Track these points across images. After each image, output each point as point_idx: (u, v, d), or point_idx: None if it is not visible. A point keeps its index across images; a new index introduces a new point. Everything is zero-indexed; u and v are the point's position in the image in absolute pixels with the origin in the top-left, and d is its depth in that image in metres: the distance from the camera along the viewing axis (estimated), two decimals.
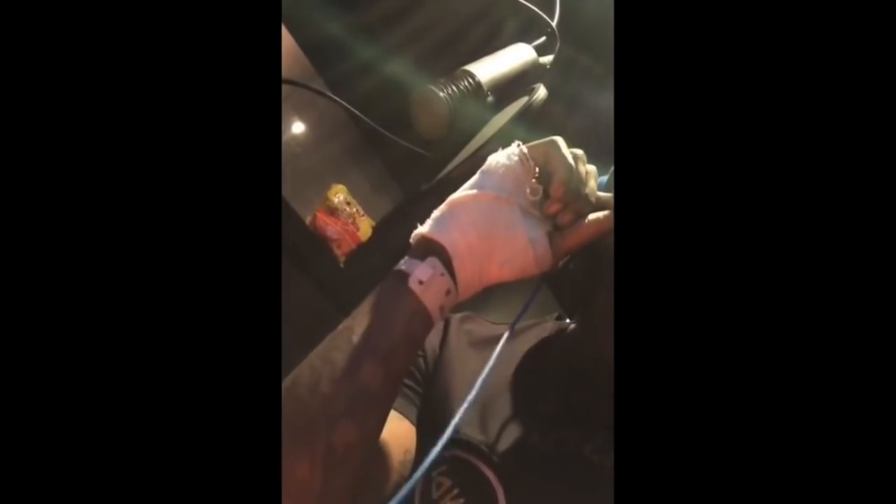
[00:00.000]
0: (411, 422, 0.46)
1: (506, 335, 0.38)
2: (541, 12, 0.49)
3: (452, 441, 0.34)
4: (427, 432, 0.45)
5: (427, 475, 0.42)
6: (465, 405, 0.33)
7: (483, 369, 0.35)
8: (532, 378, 0.48)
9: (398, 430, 0.45)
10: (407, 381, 0.49)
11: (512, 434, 0.43)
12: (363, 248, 1.40)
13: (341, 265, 1.33)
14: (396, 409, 0.46)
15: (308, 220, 1.33)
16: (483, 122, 0.47)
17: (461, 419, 0.33)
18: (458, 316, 0.55)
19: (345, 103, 0.54)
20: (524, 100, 0.45)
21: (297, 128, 1.48)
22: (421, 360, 0.51)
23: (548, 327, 0.54)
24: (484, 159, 0.40)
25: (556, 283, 0.48)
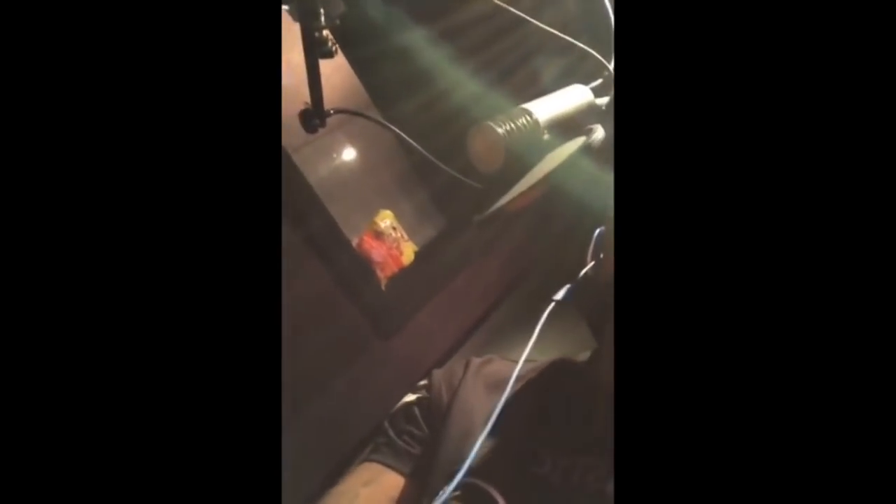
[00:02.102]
0: (399, 472, 0.52)
1: (512, 380, 0.42)
2: (599, 55, 0.51)
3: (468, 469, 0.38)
4: (441, 469, 0.49)
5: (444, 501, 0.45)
6: (475, 449, 0.37)
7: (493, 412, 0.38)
8: (545, 407, 0.50)
9: (383, 484, 0.51)
10: (406, 429, 0.54)
11: (523, 461, 0.46)
12: (405, 273, 1.42)
13: (383, 288, 1.36)
14: (384, 463, 0.53)
15: (355, 242, 1.37)
16: (539, 159, 0.49)
17: (473, 458, 0.37)
18: (478, 361, 0.59)
19: (400, 132, 0.57)
20: (581, 139, 0.46)
21: (349, 154, 1.54)
22: (426, 407, 0.55)
23: (566, 360, 0.56)
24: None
25: (590, 313, 0.49)
